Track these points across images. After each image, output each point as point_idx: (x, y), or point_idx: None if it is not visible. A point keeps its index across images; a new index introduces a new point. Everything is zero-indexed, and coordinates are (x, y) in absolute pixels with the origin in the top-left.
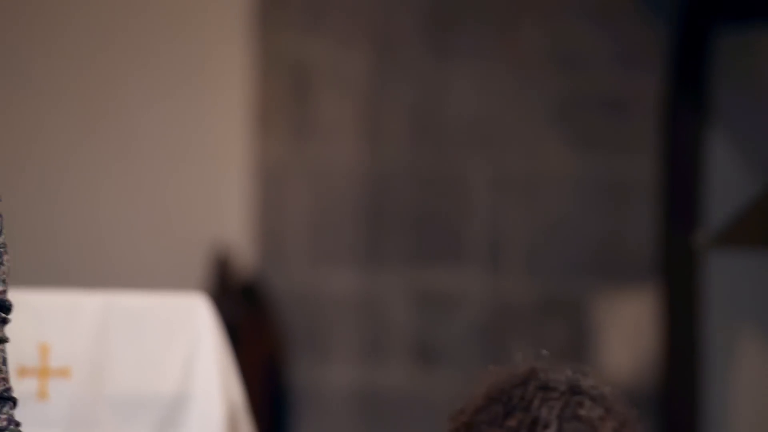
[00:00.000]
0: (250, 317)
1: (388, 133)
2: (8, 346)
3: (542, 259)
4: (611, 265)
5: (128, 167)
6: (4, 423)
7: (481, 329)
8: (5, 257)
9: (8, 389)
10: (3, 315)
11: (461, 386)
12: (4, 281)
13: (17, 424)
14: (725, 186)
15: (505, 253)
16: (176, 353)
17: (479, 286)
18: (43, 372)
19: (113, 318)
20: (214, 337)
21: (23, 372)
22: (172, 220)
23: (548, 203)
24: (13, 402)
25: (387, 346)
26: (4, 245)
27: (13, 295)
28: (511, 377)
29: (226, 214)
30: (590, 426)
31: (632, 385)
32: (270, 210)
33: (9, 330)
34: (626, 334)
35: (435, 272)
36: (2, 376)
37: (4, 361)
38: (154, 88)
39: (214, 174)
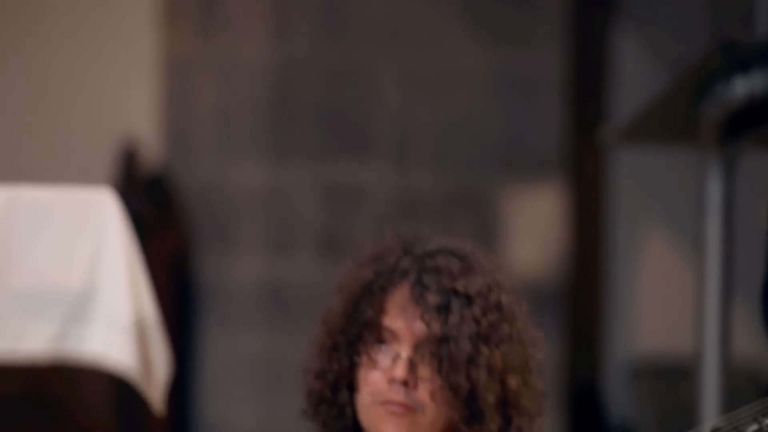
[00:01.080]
0: (156, 211)
1: (296, 27)
2: None
3: (450, 154)
4: (519, 160)
5: (32, 59)
6: None
7: (389, 223)
8: None
9: None
10: None
11: None
12: None
13: None
14: (632, 81)
15: (413, 147)
16: (82, 248)
17: (387, 179)
18: None
19: (17, 212)
20: (120, 231)
21: None
22: (78, 114)
23: (456, 98)
24: None
25: (294, 239)
26: None
27: None
28: (384, 242)
29: (133, 108)
30: (449, 276)
31: (538, 279)
32: (177, 103)
33: None
34: (533, 228)
35: (343, 166)
36: None
37: None
38: None
39: (121, 67)
